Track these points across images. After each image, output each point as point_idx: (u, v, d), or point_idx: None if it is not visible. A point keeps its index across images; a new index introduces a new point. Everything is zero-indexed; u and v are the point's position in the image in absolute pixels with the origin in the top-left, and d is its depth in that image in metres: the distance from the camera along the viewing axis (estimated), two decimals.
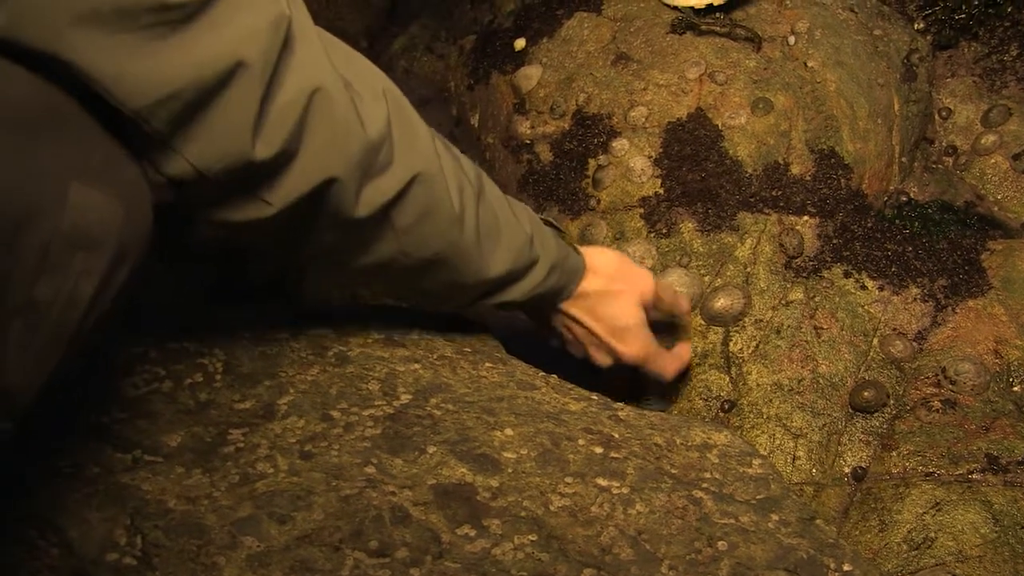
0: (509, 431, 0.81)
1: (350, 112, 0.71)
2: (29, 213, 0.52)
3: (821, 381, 1.11)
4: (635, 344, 1.02)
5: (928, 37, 1.45)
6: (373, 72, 0.77)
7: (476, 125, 1.54)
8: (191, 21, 0.61)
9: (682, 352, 1.10)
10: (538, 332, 1.07)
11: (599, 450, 0.81)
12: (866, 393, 1.09)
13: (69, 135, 0.57)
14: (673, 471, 0.80)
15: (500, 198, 0.88)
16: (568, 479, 0.77)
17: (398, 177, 0.75)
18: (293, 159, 0.69)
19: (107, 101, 0.60)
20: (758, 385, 1.11)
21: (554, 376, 0.95)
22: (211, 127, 0.64)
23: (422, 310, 1.00)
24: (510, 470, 0.77)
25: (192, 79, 0.62)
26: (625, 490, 0.76)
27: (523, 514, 0.72)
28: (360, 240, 0.78)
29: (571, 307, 0.99)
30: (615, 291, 1.00)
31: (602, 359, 1.04)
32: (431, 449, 0.78)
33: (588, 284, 0.98)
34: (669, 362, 1.07)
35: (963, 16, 1.43)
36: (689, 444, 0.85)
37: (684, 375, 1.13)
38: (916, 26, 1.46)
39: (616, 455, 0.80)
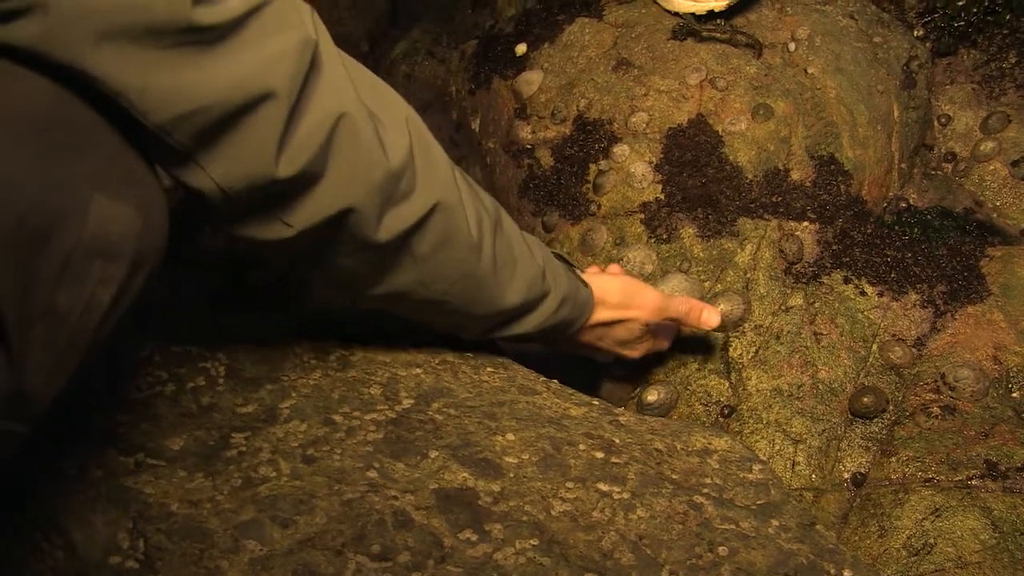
0: (511, 436, 0.82)
1: (373, 139, 0.71)
2: (53, 223, 0.53)
3: (821, 387, 1.11)
4: (638, 350, 1.09)
5: (927, 44, 1.46)
6: (396, 100, 0.77)
7: (477, 130, 1.54)
8: (220, 43, 0.62)
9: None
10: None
11: (600, 455, 0.81)
12: (865, 399, 1.09)
13: (92, 147, 0.58)
14: (674, 476, 0.81)
15: (516, 230, 0.89)
16: (569, 484, 0.77)
17: (418, 205, 0.76)
18: (316, 183, 0.70)
19: (130, 114, 0.61)
20: (758, 390, 1.12)
21: (555, 381, 0.95)
22: (235, 147, 0.65)
23: None
24: (511, 475, 0.77)
25: (219, 99, 0.63)
26: (626, 495, 0.77)
27: (524, 519, 0.73)
28: (379, 267, 0.79)
29: (581, 336, 1.02)
30: (623, 318, 1.02)
31: (603, 359, 1.11)
32: (433, 454, 0.78)
33: (598, 315, 1.00)
34: (665, 339, 1.14)
35: (962, 23, 1.43)
36: (690, 449, 0.85)
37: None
38: (915, 33, 1.47)
39: (617, 460, 0.81)
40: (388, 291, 0.81)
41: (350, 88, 0.70)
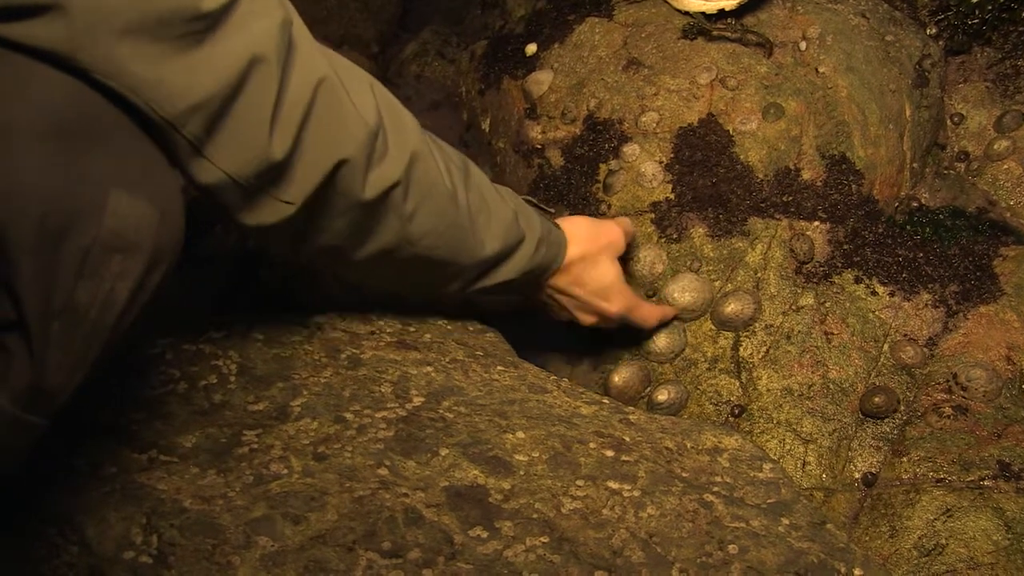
0: (521, 434, 0.82)
1: (349, 102, 0.74)
2: (71, 219, 0.54)
3: (831, 386, 1.11)
4: (618, 299, 1.07)
5: (940, 42, 1.45)
6: (357, 68, 0.80)
7: (487, 130, 1.54)
8: (218, 27, 0.64)
9: (666, 309, 1.16)
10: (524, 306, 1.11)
11: (610, 453, 0.81)
12: (876, 399, 1.09)
13: (110, 143, 0.59)
14: (684, 475, 0.81)
15: (485, 179, 0.92)
16: (579, 482, 0.77)
17: (397, 161, 0.79)
18: (306, 151, 0.72)
19: (143, 110, 0.62)
20: (768, 390, 1.12)
21: (565, 380, 0.96)
22: (235, 128, 0.67)
23: (434, 312, 1.01)
24: (522, 472, 0.77)
25: (219, 82, 0.65)
26: (636, 493, 0.77)
27: (535, 516, 0.73)
28: (368, 226, 0.81)
29: (558, 280, 1.03)
30: (594, 254, 1.04)
31: (587, 319, 1.08)
32: (443, 451, 0.78)
33: (571, 253, 1.02)
34: (651, 311, 1.13)
35: (976, 21, 1.42)
36: (700, 448, 0.85)
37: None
38: (928, 31, 1.46)
39: (627, 458, 0.81)
40: (376, 250, 0.83)
41: (322, 57, 0.74)
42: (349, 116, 0.74)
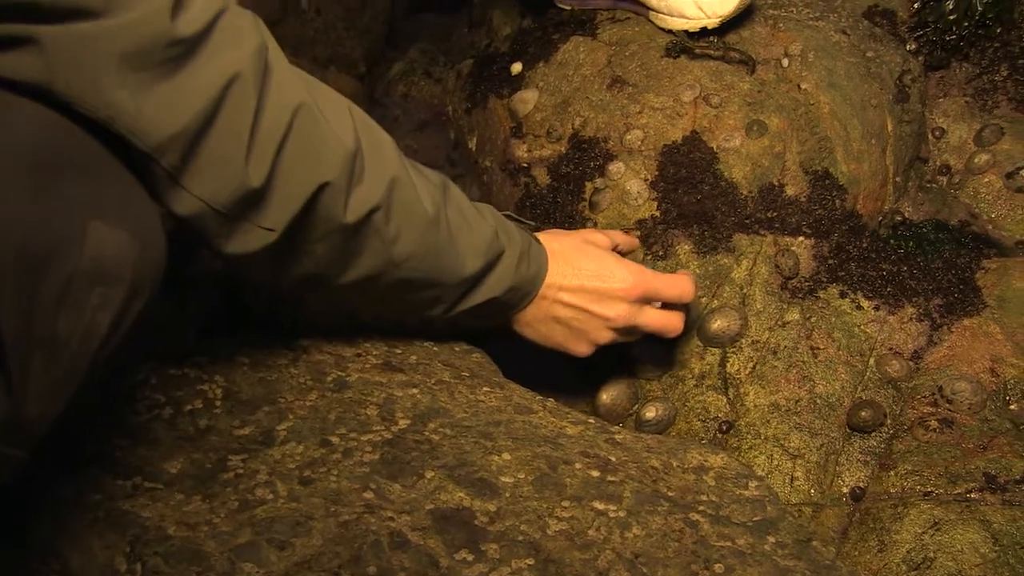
0: (507, 455, 0.82)
1: (328, 126, 0.75)
2: (51, 251, 0.54)
3: (818, 401, 1.12)
4: (624, 272, 0.99)
5: (920, 58, 1.47)
6: (334, 92, 0.80)
7: (474, 149, 1.55)
8: (192, 55, 0.64)
9: (681, 272, 1.07)
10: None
11: (596, 473, 0.81)
12: (863, 413, 1.09)
13: (89, 174, 0.60)
14: (670, 494, 0.81)
15: (463, 197, 0.91)
16: (565, 503, 0.77)
17: (377, 182, 0.79)
18: (285, 176, 0.72)
19: (123, 140, 0.62)
20: (756, 406, 1.12)
21: (551, 400, 0.96)
22: (212, 155, 0.67)
23: (421, 333, 1.01)
24: (508, 494, 0.77)
25: (195, 110, 0.65)
26: (622, 513, 0.77)
27: (521, 538, 0.73)
28: (351, 250, 0.81)
29: (552, 276, 0.98)
30: (577, 244, 1.01)
31: (597, 330, 1.00)
32: (429, 474, 0.78)
33: (553, 249, 0.99)
34: (674, 277, 1.04)
35: (954, 37, 1.44)
36: (685, 466, 0.86)
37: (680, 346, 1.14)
38: (908, 47, 1.47)
39: (613, 478, 0.81)
40: (360, 276, 0.83)
41: (300, 82, 0.74)
42: (328, 139, 0.74)
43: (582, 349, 1.03)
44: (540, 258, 0.97)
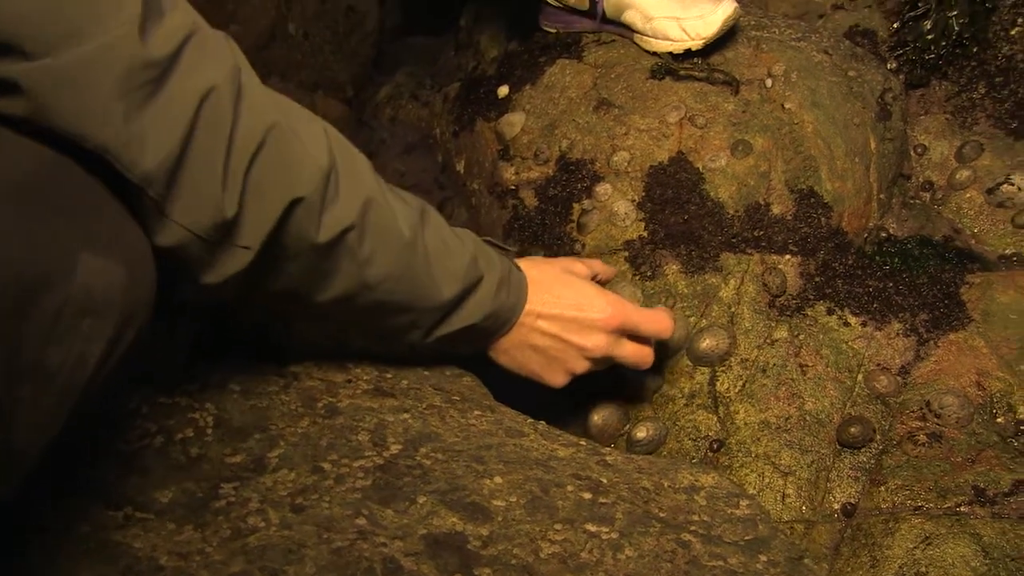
0: (498, 479, 0.82)
1: (300, 146, 0.75)
2: (41, 282, 0.54)
3: (808, 418, 1.12)
4: (603, 303, 0.99)
5: (901, 77, 1.49)
6: (309, 113, 0.80)
7: (462, 171, 1.56)
8: (167, 78, 0.64)
9: (661, 308, 1.08)
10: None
11: (588, 495, 0.82)
12: (853, 429, 1.10)
13: (79, 205, 0.60)
14: (661, 514, 0.81)
15: (442, 222, 0.91)
16: (557, 525, 0.77)
17: (351, 203, 0.79)
18: (257, 192, 0.72)
19: (115, 170, 0.63)
20: (746, 424, 1.12)
21: (542, 422, 0.96)
22: (191, 178, 0.67)
23: (411, 358, 1.01)
24: (500, 518, 0.78)
25: (176, 134, 0.65)
26: (614, 535, 0.77)
27: (513, 562, 0.73)
28: (323, 270, 0.81)
29: (532, 303, 0.97)
30: (557, 273, 1.01)
31: (573, 359, 1.00)
32: (421, 499, 0.78)
33: (532, 277, 0.99)
34: (653, 312, 1.04)
35: (932, 56, 1.46)
36: (677, 487, 0.86)
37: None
38: (889, 66, 1.49)
39: (605, 500, 0.81)
40: (333, 296, 0.83)
41: (272, 103, 0.74)
42: (302, 157, 0.74)
43: (558, 379, 1.03)
44: (520, 285, 0.97)
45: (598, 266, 1.11)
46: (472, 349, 1.00)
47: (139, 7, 0.63)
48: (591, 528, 0.77)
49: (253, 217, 0.72)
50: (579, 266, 1.06)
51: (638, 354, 1.05)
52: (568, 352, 1.00)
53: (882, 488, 1.06)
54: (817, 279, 1.23)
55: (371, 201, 0.80)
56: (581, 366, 1.02)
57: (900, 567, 0.98)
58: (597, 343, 1.00)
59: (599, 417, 1.16)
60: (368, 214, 0.80)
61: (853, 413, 1.13)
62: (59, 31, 0.59)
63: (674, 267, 1.23)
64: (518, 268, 0.99)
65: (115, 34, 0.61)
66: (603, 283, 1.13)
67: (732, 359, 1.17)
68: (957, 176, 1.41)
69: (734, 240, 1.25)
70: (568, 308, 0.98)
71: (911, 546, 0.99)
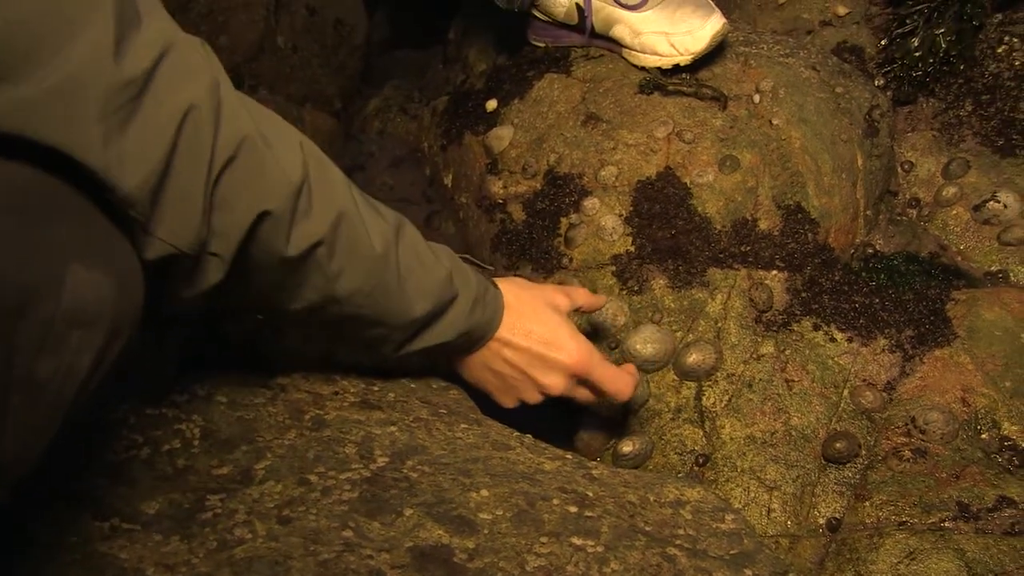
0: (485, 492, 0.82)
1: (272, 159, 0.75)
2: (31, 295, 0.54)
3: (793, 433, 1.13)
4: (573, 348, 0.99)
5: (888, 93, 1.50)
6: (288, 127, 0.80)
7: (450, 185, 1.56)
8: (143, 96, 0.64)
9: (629, 368, 1.07)
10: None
11: (574, 509, 0.82)
12: (838, 444, 1.10)
13: (67, 218, 0.60)
14: (647, 528, 0.81)
15: (419, 238, 0.91)
16: (543, 539, 0.78)
17: (322, 217, 0.79)
18: (227, 203, 0.72)
19: (102, 190, 0.63)
20: (732, 439, 1.13)
21: (528, 436, 0.96)
22: (173, 195, 0.68)
23: (398, 370, 1.01)
24: (486, 531, 0.78)
25: (158, 152, 0.65)
26: (600, 548, 0.77)
27: (499, 575, 0.73)
28: (291, 283, 0.81)
29: (502, 331, 0.98)
30: (534, 304, 1.00)
31: (528, 391, 1.01)
32: (408, 512, 0.78)
33: (509, 301, 0.99)
34: (616, 372, 1.03)
35: (920, 73, 1.48)
36: (662, 501, 0.86)
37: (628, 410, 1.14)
38: (876, 83, 1.51)
39: (590, 513, 0.81)
40: (302, 307, 0.83)
41: (247, 115, 0.74)
42: (271, 171, 0.74)
43: (507, 403, 1.04)
44: (495, 305, 0.97)
45: (582, 298, 1.08)
46: (445, 361, 1.02)
47: (111, 23, 0.62)
48: (577, 541, 0.78)
49: (222, 227, 0.73)
50: (561, 299, 1.04)
51: (592, 400, 1.06)
52: (525, 384, 1.01)
53: (867, 503, 1.06)
54: (804, 295, 1.24)
55: (343, 215, 0.80)
56: (533, 398, 1.03)
57: None
58: (555, 383, 1.01)
59: (585, 431, 1.16)
60: (339, 228, 0.80)
61: (838, 428, 1.14)
62: (32, 56, 0.59)
63: (661, 282, 1.24)
64: (496, 288, 0.99)
65: (88, 57, 0.61)
66: (588, 313, 1.14)
67: (718, 374, 1.18)
68: (944, 193, 1.42)
69: (721, 255, 1.25)
70: (536, 343, 0.99)
71: (895, 561, 0.99)
